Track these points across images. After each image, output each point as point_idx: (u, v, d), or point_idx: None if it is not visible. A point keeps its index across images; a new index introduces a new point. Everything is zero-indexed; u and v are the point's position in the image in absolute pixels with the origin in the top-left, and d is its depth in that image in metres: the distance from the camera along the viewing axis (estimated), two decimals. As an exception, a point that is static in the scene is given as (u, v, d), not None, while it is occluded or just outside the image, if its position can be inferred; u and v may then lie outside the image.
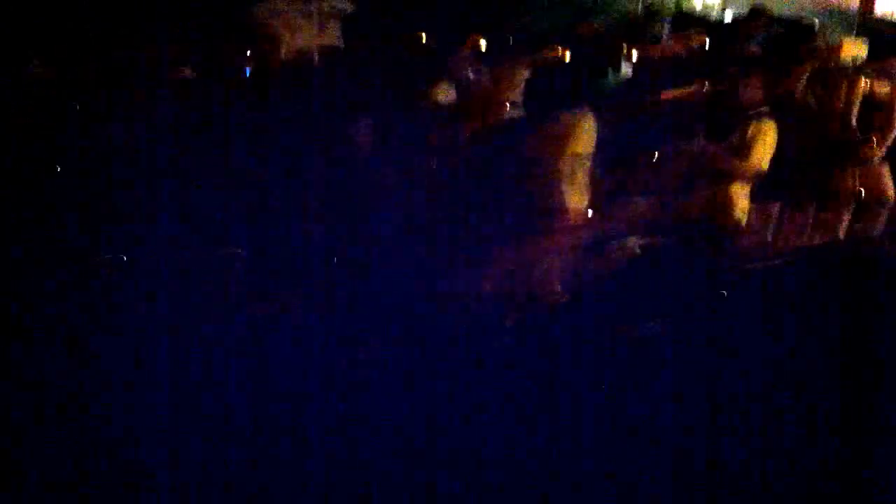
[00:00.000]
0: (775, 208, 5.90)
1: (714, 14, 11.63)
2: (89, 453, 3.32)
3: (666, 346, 3.87)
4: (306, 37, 5.70)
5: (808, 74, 5.89)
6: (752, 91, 4.84)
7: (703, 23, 6.75)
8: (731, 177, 4.80)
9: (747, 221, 6.03)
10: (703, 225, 4.66)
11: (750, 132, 4.68)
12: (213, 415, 3.53)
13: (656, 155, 4.56)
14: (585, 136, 4.20)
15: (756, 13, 6.38)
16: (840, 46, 6.12)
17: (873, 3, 14.14)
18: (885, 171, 6.01)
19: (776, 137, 4.77)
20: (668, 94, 5.11)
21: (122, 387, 3.59)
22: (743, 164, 4.73)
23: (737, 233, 5.02)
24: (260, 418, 3.55)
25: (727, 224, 4.89)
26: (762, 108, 4.77)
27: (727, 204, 4.86)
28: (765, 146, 4.72)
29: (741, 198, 4.95)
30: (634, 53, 7.05)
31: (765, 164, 4.74)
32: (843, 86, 5.81)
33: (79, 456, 3.29)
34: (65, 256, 3.99)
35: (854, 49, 6.11)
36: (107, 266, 4.10)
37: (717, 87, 4.96)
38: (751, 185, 4.96)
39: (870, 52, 6.52)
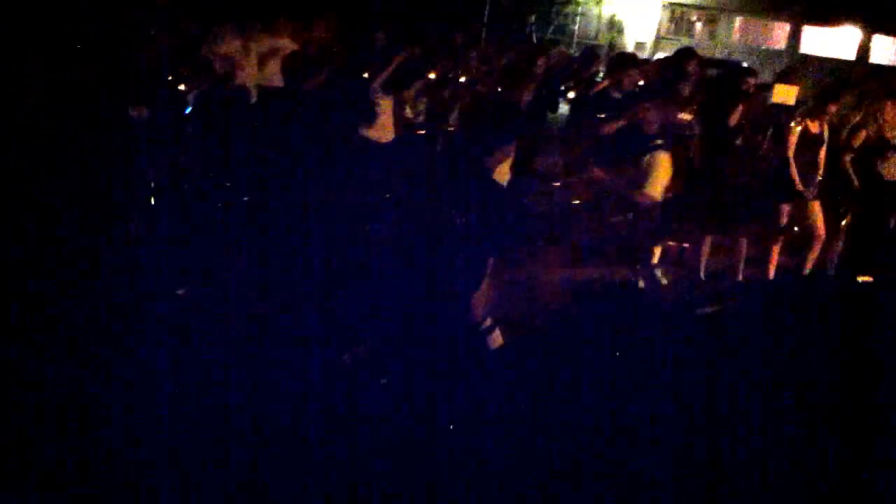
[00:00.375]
0: (707, 241, 6.01)
1: (646, 53, 12.04)
2: (90, 453, 3.21)
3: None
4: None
5: (740, 114, 6.02)
6: (651, 123, 4.93)
7: (634, 62, 6.88)
8: (629, 204, 4.86)
9: (677, 254, 6.13)
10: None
11: (645, 163, 4.76)
12: (213, 414, 3.47)
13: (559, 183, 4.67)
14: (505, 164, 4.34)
15: (684, 53, 6.51)
16: (771, 90, 6.26)
17: (799, 44, 14.78)
18: (817, 207, 6.14)
19: (670, 169, 4.82)
20: (594, 128, 5.20)
21: (122, 386, 3.54)
22: (638, 192, 4.77)
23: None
24: (259, 418, 3.50)
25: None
26: (658, 141, 4.85)
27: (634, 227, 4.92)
28: (658, 176, 4.78)
29: (643, 224, 4.97)
30: (570, 93, 7.28)
31: (658, 194, 4.76)
32: (774, 126, 5.96)
33: (80, 456, 3.18)
34: (65, 257, 3.99)
35: (784, 93, 6.26)
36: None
37: (626, 121, 5.06)
38: (651, 212, 5.00)
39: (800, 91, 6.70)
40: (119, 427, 3.35)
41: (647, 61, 8.38)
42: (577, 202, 4.65)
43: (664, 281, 5.67)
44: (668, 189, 4.83)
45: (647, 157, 4.59)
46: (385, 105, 5.88)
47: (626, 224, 4.62)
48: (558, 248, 4.55)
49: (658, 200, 4.58)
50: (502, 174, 4.43)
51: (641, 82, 6.40)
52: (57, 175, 4.13)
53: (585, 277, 4.49)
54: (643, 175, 4.54)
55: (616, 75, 6.32)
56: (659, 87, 6.08)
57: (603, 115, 5.23)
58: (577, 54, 9.55)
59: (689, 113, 5.86)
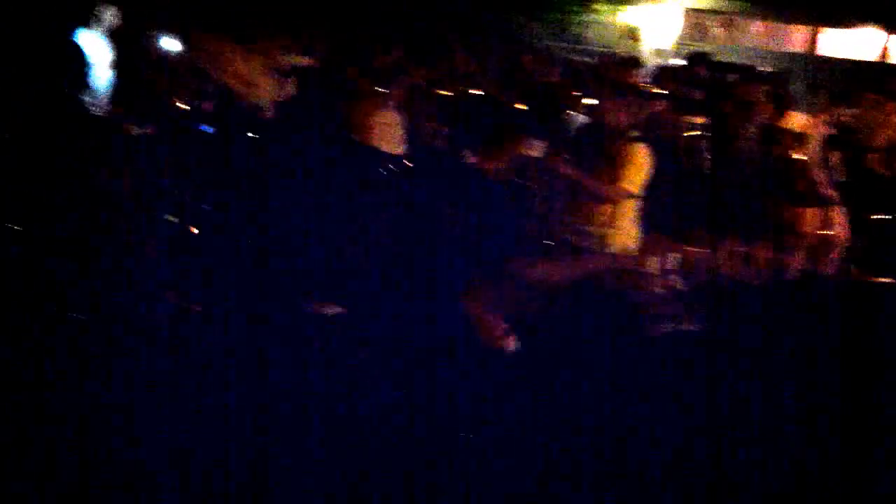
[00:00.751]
0: (721, 246, 5.93)
1: (662, 59, 11.98)
2: (90, 454, 3.29)
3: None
4: None
5: (751, 120, 5.95)
6: (619, 116, 4.83)
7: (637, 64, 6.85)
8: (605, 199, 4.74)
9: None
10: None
11: (620, 155, 4.67)
12: (213, 415, 3.53)
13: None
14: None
15: (696, 58, 6.47)
16: (783, 118, 6.20)
17: (815, 45, 14.64)
18: (838, 210, 6.07)
19: (646, 163, 4.72)
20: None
21: (121, 386, 3.56)
22: (612, 186, 4.67)
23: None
24: (259, 418, 3.56)
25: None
26: (632, 133, 4.77)
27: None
28: (633, 169, 4.68)
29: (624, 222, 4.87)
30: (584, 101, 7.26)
31: (633, 187, 4.66)
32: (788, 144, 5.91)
33: (80, 456, 3.26)
34: (64, 258, 4.04)
35: (795, 121, 6.21)
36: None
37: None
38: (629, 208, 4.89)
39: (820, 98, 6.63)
40: (119, 427, 3.39)
41: (660, 67, 8.37)
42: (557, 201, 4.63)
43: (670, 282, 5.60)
44: (646, 184, 4.74)
45: (618, 149, 4.52)
46: (377, 107, 5.85)
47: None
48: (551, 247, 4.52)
49: (633, 193, 4.50)
50: (500, 174, 4.40)
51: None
52: (57, 176, 4.15)
53: (578, 274, 4.43)
54: (616, 168, 4.47)
55: (618, 79, 6.31)
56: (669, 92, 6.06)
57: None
58: (591, 61, 9.55)
59: (700, 117, 5.83)
